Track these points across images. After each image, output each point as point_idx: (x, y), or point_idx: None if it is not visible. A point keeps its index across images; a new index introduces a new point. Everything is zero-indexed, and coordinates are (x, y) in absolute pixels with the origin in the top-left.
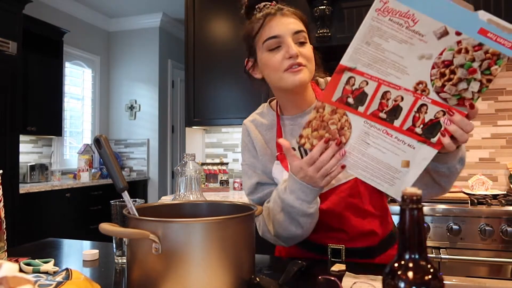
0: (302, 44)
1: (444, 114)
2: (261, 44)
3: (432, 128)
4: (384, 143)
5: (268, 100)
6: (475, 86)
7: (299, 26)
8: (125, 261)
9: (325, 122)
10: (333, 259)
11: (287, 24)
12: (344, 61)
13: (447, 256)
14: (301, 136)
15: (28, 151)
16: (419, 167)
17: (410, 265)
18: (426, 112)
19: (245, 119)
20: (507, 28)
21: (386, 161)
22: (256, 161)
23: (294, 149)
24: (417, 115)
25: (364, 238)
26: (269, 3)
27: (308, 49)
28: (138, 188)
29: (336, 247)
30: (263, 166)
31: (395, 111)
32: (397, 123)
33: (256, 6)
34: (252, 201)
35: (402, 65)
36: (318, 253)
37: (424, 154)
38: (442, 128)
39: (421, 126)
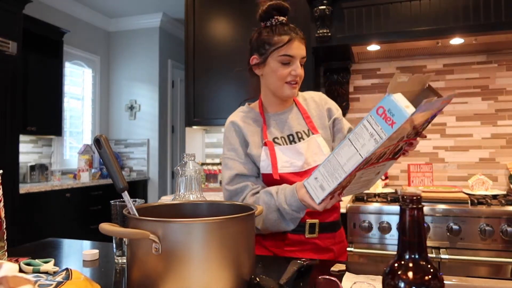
0: (301, 66)
1: (406, 144)
2: (277, 55)
3: (397, 152)
4: (370, 172)
5: (246, 104)
6: (426, 126)
7: (305, 52)
8: (125, 261)
9: (342, 184)
10: (308, 235)
11: (301, 50)
12: (368, 154)
13: (447, 256)
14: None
15: (28, 151)
16: (384, 171)
17: (410, 265)
18: (397, 146)
19: None
20: (451, 96)
21: (368, 178)
22: (236, 154)
23: (278, 138)
24: (393, 150)
25: (332, 211)
26: (284, 18)
27: (303, 71)
28: (138, 188)
29: (312, 221)
30: (250, 152)
31: (382, 155)
32: (381, 159)
33: (276, 17)
34: (228, 190)
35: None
36: (292, 231)
37: (389, 164)
38: (402, 150)
39: (393, 153)
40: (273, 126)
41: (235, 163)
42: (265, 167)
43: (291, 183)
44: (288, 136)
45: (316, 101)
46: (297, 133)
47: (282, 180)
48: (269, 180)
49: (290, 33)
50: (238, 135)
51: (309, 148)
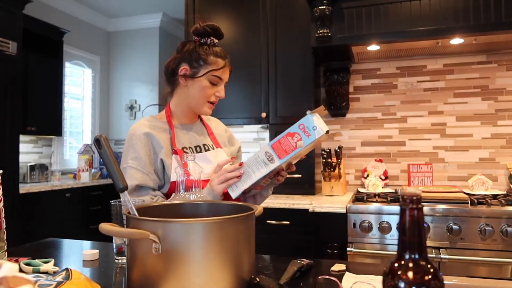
0: None
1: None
2: (210, 75)
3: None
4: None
5: (150, 116)
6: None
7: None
8: (125, 261)
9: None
10: None
11: (228, 75)
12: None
13: (447, 256)
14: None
15: (28, 151)
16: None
17: (410, 265)
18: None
19: (244, 119)
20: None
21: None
22: (139, 163)
23: (186, 148)
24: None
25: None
26: (217, 41)
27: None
28: None
29: None
30: (163, 158)
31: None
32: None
33: (212, 38)
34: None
35: None
36: None
37: (269, 183)
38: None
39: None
40: (181, 136)
41: (137, 172)
42: (178, 174)
43: None
44: (195, 147)
45: (219, 124)
46: (204, 145)
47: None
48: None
49: (225, 59)
50: (145, 144)
51: (216, 158)
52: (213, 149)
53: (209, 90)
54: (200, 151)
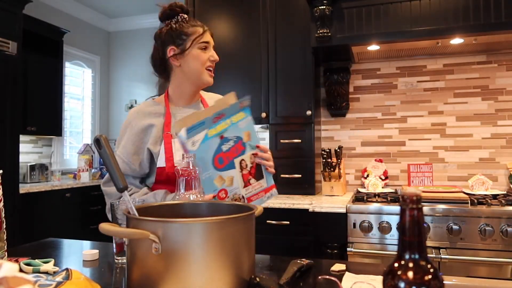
0: None
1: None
2: (196, 43)
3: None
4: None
5: (150, 99)
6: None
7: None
8: (125, 261)
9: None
10: None
11: (212, 39)
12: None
13: (447, 256)
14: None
15: (28, 151)
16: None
17: (410, 265)
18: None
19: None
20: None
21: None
22: (123, 151)
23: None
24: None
25: None
26: (187, 16)
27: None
28: None
29: None
30: (151, 148)
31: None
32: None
33: (180, 14)
34: (103, 190)
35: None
36: None
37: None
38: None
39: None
40: (178, 118)
41: (119, 159)
42: (161, 160)
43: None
44: None
45: (215, 98)
46: None
47: (173, 175)
48: (162, 174)
49: (202, 25)
50: (135, 134)
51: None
52: None
53: (203, 55)
54: None
